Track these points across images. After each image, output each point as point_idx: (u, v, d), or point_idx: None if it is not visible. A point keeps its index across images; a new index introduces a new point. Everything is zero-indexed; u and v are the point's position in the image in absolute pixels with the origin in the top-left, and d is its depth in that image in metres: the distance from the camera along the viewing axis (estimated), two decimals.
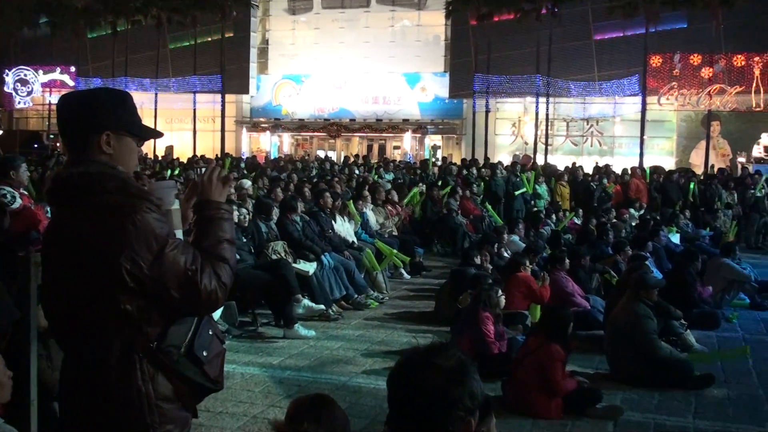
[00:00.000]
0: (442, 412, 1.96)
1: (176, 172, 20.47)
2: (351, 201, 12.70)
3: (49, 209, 6.81)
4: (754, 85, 32.22)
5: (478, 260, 9.81)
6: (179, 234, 2.68)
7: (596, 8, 35.27)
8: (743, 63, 32.39)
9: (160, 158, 29.49)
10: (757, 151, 28.57)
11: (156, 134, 2.83)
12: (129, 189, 2.49)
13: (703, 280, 10.38)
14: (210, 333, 2.62)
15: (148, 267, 2.40)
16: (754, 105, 32.52)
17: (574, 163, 23.75)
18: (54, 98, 43.25)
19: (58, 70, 44.30)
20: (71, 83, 43.77)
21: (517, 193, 17.27)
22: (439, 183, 17.30)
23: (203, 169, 2.79)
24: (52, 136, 40.17)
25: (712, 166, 25.95)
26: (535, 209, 16.43)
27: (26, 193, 7.04)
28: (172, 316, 2.50)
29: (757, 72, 32.09)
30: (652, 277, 7.84)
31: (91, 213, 2.43)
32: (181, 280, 2.44)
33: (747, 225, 17.25)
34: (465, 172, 19.94)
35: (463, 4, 35.65)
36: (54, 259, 2.57)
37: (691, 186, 18.01)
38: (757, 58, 32.14)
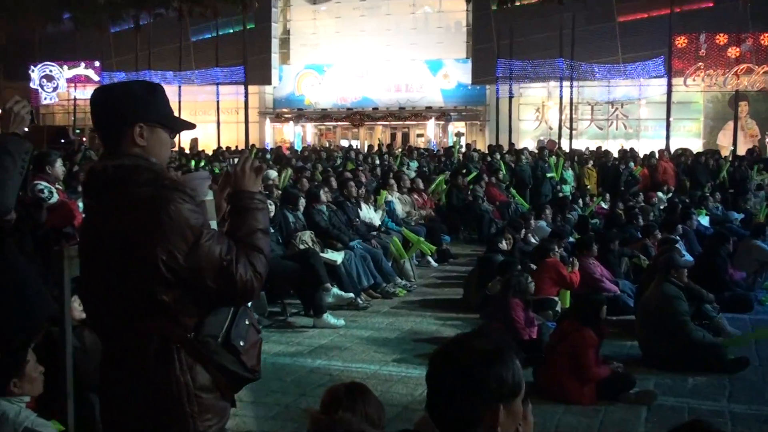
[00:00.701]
0: (469, 395, 1.94)
1: (202, 163, 20.57)
2: (382, 192, 12.69)
3: (81, 203, 6.87)
4: None
5: (504, 245, 9.77)
6: (214, 225, 2.68)
7: None
8: None
9: (186, 150, 29.62)
10: None
11: (188, 126, 2.84)
12: (163, 181, 2.50)
13: (735, 262, 10.25)
14: (247, 323, 2.62)
15: (184, 258, 2.41)
16: None
17: (599, 147, 23.54)
18: (79, 93, 43.66)
19: (83, 65, 44.64)
20: (96, 78, 44.12)
21: (547, 176, 17.18)
22: (464, 170, 17.25)
23: (235, 160, 2.79)
24: (78, 131, 40.57)
25: (733, 150, 25.54)
26: (561, 194, 16.32)
27: (61, 187, 7.13)
28: (209, 307, 2.51)
29: None
30: (681, 258, 7.76)
31: (126, 205, 2.45)
32: (216, 270, 2.44)
33: None
34: (489, 158, 19.84)
35: None
36: (90, 252, 2.59)
37: (723, 168, 17.77)
38: None
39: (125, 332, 2.48)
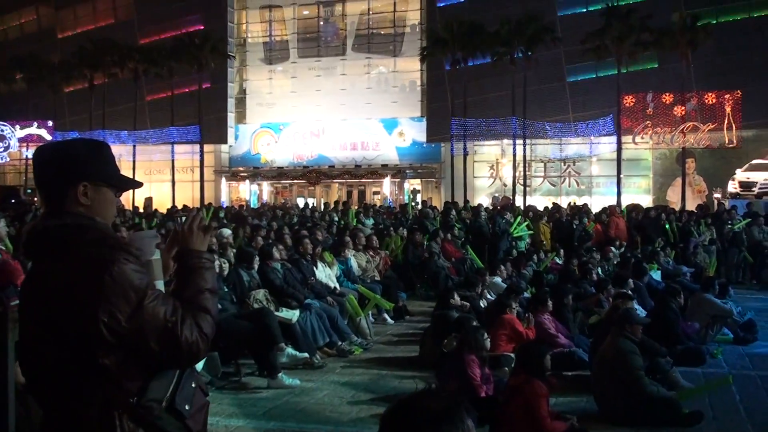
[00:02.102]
0: None
1: (153, 224, 20.30)
2: (327, 250, 12.65)
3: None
4: (726, 122, 32.78)
5: (457, 301, 9.76)
6: (160, 285, 2.63)
7: (568, 51, 35.90)
8: (714, 101, 32.99)
9: (140, 210, 29.33)
10: (732, 187, 28.93)
11: (135, 184, 2.80)
12: (107, 240, 2.45)
13: (687, 316, 10.39)
14: (193, 386, 2.56)
15: (126, 319, 2.35)
16: (726, 141, 33.06)
17: (555, 203, 23.89)
18: (31, 153, 43.12)
19: (35, 124, 44.30)
20: (48, 137, 43.73)
21: (515, 233, 17.36)
22: (415, 226, 17.38)
23: (183, 219, 2.76)
24: (29, 191, 39.90)
25: (683, 205, 26.18)
26: (516, 251, 16.47)
27: (3, 247, 6.96)
28: (153, 370, 2.45)
29: (728, 109, 32.68)
30: (636, 313, 7.84)
31: (68, 266, 2.39)
32: (160, 332, 2.39)
33: (726, 260, 17.36)
34: (445, 215, 19.98)
35: (438, 50, 36.15)
36: (31, 314, 2.51)
37: (666, 226, 18.13)
38: (728, 96, 32.76)
39: (65, 397, 2.40)
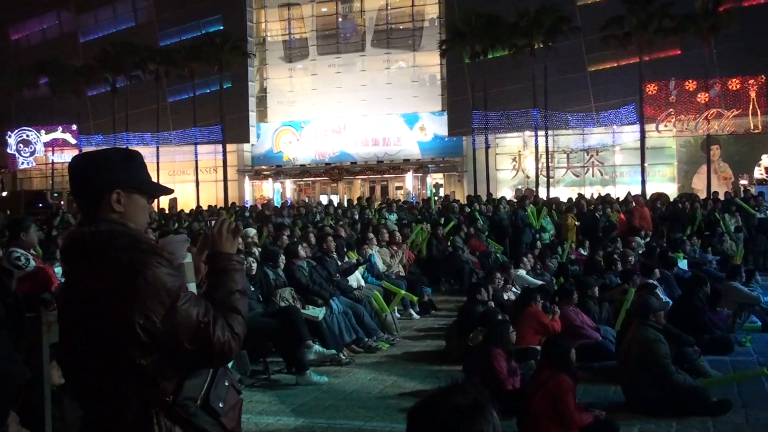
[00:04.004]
0: None
1: (185, 224, 20.49)
2: (354, 251, 12.70)
3: (58, 269, 6.85)
4: (751, 107, 32.46)
5: (484, 296, 9.78)
6: (192, 287, 2.71)
7: (589, 40, 35.65)
8: (738, 86, 32.66)
9: (166, 211, 29.61)
10: (758, 173, 28.66)
11: (166, 191, 2.89)
12: (140, 245, 2.53)
13: (720, 304, 10.36)
14: (226, 384, 2.64)
15: (161, 321, 2.43)
16: (752, 127, 32.72)
17: (579, 194, 23.77)
18: (57, 157, 43.73)
19: (60, 128, 44.82)
20: (73, 141, 44.25)
21: (537, 224, 17.32)
22: (442, 220, 17.36)
23: (212, 222, 2.84)
24: (56, 195, 40.48)
25: (716, 192, 25.93)
26: (541, 243, 16.43)
27: (36, 253, 7.08)
28: (187, 369, 2.52)
29: (753, 94, 32.35)
30: (654, 301, 7.81)
31: (103, 270, 2.47)
32: (194, 333, 2.46)
33: (753, 247, 17.20)
34: (468, 209, 19.97)
35: (457, 43, 36.08)
36: (69, 318, 2.60)
37: (697, 214, 17.96)
38: (752, 81, 32.42)
39: (104, 397, 2.48)
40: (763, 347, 9.58)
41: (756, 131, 32.73)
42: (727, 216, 17.82)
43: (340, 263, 11.42)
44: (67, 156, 42.99)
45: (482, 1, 36.33)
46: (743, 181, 30.80)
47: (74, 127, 44.72)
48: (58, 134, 44.76)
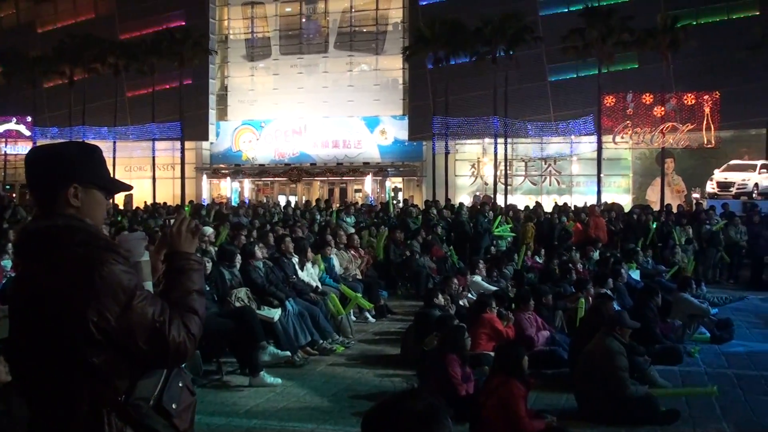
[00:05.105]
0: None
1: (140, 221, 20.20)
2: (319, 254, 12.61)
3: (7, 262, 6.71)
4: (705, 122, 33.12)
5: (441, 301, 9.82)
6: (149, 286, 2.67)
7: (550, 51, 36.10)
8: (694, 101, 33.32)
9: (120, 207, 29.19)
10: (710, 187, 29.24)
11: (125, 187, 2.84)
12: (96, 241, 2.49)
13: (671, 315, 10.54)
14: (180, 385, 2.60)
15: (116, 319, 2.39)
16: (705, 142, 33.41)
17: (537, 203, 23.99)
18: (10, 149, 42.81)
19: (14, 120, 43.90)
20: (27, 133, 43.36)
21: (496, 232, 17.44)
22: (397, 225, 17.43)
23: (173, 221, 2.80)
24: (8, 187, 39.63)
25: (669, 205, 26.40)
26: (497, 249, 16.56)
27: None
28: (141, 369, 2.48)
29: (707, 110, 33.02)
30: (627, 317, 7.86)
31: (58, 266, 2.42)
32: (149, 332, 2.43)
33: (704, 260, 17.54)
34: (427, 214, 20.03)
35: (421, 49, 36.22)
36: (20, 313, 2.54)
37: (651, 225, 18.25)
38: (707, 97, 33.10)
39: (53, 395, 2.43)
40: (711, 358, 9.76)
41: (709, 146, 33.44)
42: (678, 228, 18.15)
43: (297, 264, 11.37)
44: (20, 148, 42.15)
45: (446, 8, 36.60)
46: (695, 195, 31.37)
47: (29, 118, 43.83)
48: (12, 125, 43.83)
